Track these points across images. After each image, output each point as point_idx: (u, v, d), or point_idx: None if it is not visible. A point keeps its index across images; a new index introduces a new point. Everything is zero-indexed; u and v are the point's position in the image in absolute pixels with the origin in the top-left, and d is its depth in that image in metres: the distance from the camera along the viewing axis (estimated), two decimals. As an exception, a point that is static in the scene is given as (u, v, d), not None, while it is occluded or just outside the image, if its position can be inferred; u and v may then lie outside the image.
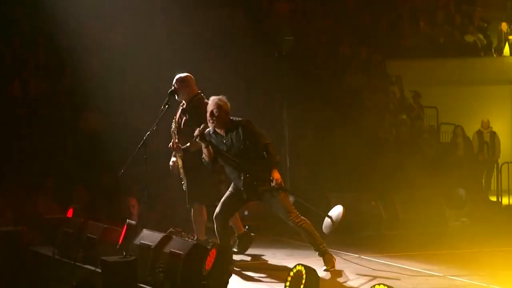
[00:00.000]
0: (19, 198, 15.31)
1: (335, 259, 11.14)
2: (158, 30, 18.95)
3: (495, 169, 20.07)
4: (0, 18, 19.75)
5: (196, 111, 11.77)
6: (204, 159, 11.10)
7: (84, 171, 16.61)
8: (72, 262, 12.03)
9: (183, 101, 11.94)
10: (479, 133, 20.00)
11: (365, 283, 10.28)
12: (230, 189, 11.42)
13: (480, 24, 22.61)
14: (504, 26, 22.34)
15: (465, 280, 10.67)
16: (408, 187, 16.29)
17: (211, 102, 10.99)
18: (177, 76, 11.97)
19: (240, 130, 11.10)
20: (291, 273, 9.57)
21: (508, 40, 22.20)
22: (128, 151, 12.98)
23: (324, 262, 11.09)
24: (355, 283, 10.53)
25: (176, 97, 11.93)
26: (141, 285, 10.52)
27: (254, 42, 19.36)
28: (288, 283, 9.44)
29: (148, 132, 11.94)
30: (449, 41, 22.25)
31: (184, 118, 11.89)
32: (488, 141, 19.91)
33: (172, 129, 11.81)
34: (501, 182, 19.82)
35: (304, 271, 9.42)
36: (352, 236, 12.54)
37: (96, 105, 18.03)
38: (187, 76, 11.96)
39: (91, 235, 12.04)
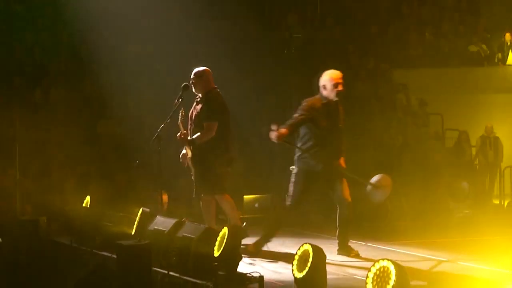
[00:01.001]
0: (40, 194, 15.40)
1: None
2: (172, 40, 18.96)
3: (498, 173, 20.06)
4: (22, 28, 19.84)
5: (209, 105, 11.80)
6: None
7: (101, 171, 16.67)
8: (89, 249, 12.16)
9: (199, 94, 11.99)
10: (483, 138, 19.98)
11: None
12: (297, 179, 11.59)
13: (484, 35, 22.58)
14: (508, 36, 22.31)
15: (469, 264, 10.73)
16: (414, 183, 16.25)
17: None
18: (195, 69, 11.98)
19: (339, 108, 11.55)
20: (299, 252, 9.61)
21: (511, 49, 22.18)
22: (142, 152, 13.06)
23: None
24: (361, 264, 10.58)
25: (193, 90, 11.96)
26: (155, 268, 10.55)
27: (265, 50, 19.43)
28: (296, 262, 9.48)
29: (162, 125, 11.95)
30: (453, 51, 22.24)
31: (197, 110, 11.93)
32: (491, 146, 19.89)
33: (179, 120, 11.87)
34: (504, 185, 19.83)
35: (311, 250, 9.46)
36: (360, 226, 12.54)
37: (112, 111, 18.07)
38: (204, 70, 11.95)
39: (107, 223, 12.13)
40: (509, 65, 22.30)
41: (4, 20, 19.81)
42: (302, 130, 11.51)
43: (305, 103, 11.49)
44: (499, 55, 22.38)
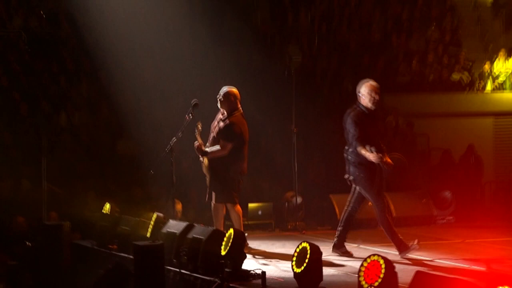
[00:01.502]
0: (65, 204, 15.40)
1: None
2: (183, 65, 18.93)
3: (479, 187, 19.99)
4: (48, 58, 19.85)
5: (229, 126, 11.85)
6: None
7: (118, 183, 16.66)
8: (108, 251, 12.13)
9: (224, 111, 11.96)
10: (466, 156, 19.90)
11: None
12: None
13: (465, 64, 22.53)
14: (487, 66, 22.26)
15: (450, 263, 10.69)
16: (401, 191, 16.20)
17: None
18: (224, 88, 11.99)
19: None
20: (297, 249, 9.57)
21: (490, 77, 22.12)
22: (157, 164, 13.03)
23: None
24: (354, 263, 10.51)
25: (219, 106, 11.95)
26: (167, 267, 10.54)
27: (268, 75, 19.44)
28: (295, 258, 9.44)
29: (174, 138, 11.93)
30: (438, 78, 22.20)
31: (220, 126, 11.95)
32: (473, 163, 19.81)
33: (197, 133, 11.89)
34: (484, 197, 19.76)
35: (308, 247, 9.42)
36: (352, 231, 12.44)
37: (130, 133, 18.05)
38: (229, 91, 11.96)
39: (124, 227, 12.11)
40: (487, 92, 22.23)
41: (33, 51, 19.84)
42: (353, 141, 11.26)
43: (355, 118, 11.22)
44: (479, 82, 22.31)
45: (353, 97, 20.23)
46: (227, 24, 20.11)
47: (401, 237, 11.32)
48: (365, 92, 11.19)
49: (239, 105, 11.98)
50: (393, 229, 11.40)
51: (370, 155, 10.89)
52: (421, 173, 18.14)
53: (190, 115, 11.91)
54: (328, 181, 16.55)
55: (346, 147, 11.36)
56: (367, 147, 10.94)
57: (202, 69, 18.84)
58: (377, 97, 11.14)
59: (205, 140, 12.02)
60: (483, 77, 22.38)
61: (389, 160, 11.12)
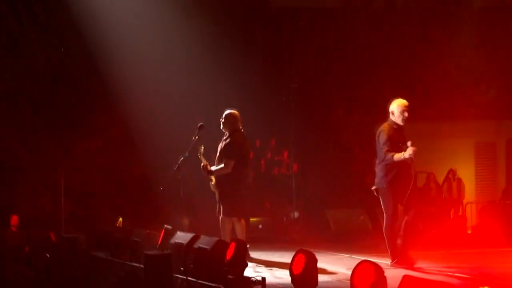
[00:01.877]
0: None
1: None
2: (190, 93, 18.84)
3: (460, 208, 19.95)
4: (68, 89, 19.83)
5: (227, 147, 11.92)
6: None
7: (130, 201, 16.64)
8: (121, 261, 12.10)
9: (227, 132, 12.02)
10: (448, 178, 19.88)
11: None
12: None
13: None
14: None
15: (432, 270, 10.67)
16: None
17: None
18: (225, 111, 12.07)
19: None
20: (295, 256, 9.55)
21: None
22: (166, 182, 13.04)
23: None
24: (346, 271, 10.47)
25: (221, 128, 12.02)
26: (175, 274, 10.50)
27: (267, 97, 19.44)
28: (292, 264, 9.41)
29: (182, 157, 11.95)
30: (423, 108, 22.15)
31: (222, 145, 11.98)
32: (455, 185, 19.81)
33: (200, 154, 11.91)
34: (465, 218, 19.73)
35: (305, 254, 9.40)
36: (345, 244, 12.44)
37: (144, 155, 18.03)
38: (230, 113, 12.06)
39: (136, 239, 12.09)
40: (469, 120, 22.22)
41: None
42: (381, 154, 11.19)
43: (386, 132, 11.16)
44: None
45: (344, 121, 20.59)
46: (232, 56, 20.05)
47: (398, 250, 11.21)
48: (395, 110, 11.16)
49: (240, 126, 12.05)
50: (394, 241, 11.33)
51: (402, 155, 10.88)
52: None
53: (197, 136, 11.96)
54: (322, 198, 16.53)
55: (376, 161, 11.34)
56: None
57: (207, 96, 18.81)
58: (406, 115, 11.12)
59: (212, 161, 12.05)
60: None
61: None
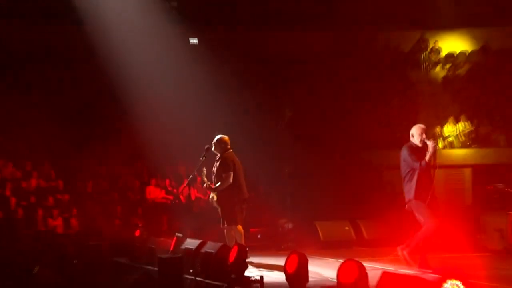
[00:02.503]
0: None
1: None
2: (196, 125, 18.68)
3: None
4: (93, 122, 19.83)
5: (222, 163, 11.87)
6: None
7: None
8: (138, 265, 12.02)
9: (218, 154, 11.98)
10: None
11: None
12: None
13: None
14: (438, 129, 22.23)
15: (408, 272, 10.56)
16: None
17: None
18: (216, 137, 12.05)
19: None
20: (289, 257, 9.49)
21: (440, 138, 22.06)
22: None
23: None
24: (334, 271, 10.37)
25: (213, 150, 11.96)
26: (185, 275, 10.44)
27: (263, 124, 19.45)
28: (286, 264, 9.36)
29: (191, 176, 11.93)
30: (402, 138, 22.08)
31: (216, 166, 11.94)
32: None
33: (203, 175, 11.90)
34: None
35: (297, 255, 9.35)
36: (332, 250, 12.33)
37: (156, 181, 17.98)
38: (220, 137, 12.03)
39: (151, 246, 12.02)
40: (439, 149, 22.04)
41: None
42: (405, 168, 10.89)
43: (409, 150, 10.82)
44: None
45: (332, 145, 20.54)
46: (237, 91, 20.03)
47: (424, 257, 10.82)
48: (415, 132, 10.87)
49: (229, 147, 12.00)
50: (421, 249, 10.89)
51: (428, 152, 10.57)
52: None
53: (204, 157, 11.95)
54: (313, 211, 16.43)
55: (404, 180, 10.95)
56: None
57: (214, 123, 18.72)
58: (424, 136, 10.79)
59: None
60: (435, 137, 22.29)
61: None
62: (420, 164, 10.59)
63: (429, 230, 10.75)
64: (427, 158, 10.55)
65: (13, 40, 21.53)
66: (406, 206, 11.03)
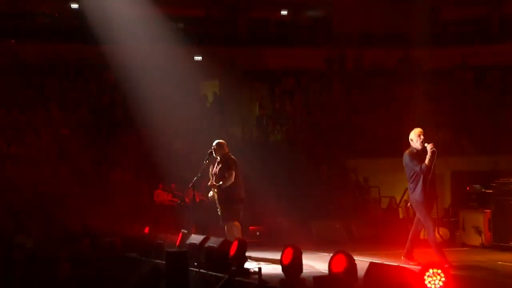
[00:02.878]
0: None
1: None
2: (200, 123, 18.66)
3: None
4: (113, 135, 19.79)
5: (225, 164, 11.86)
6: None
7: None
8: (147, 259, 12.04)
9: (218, 157, 12.00)
10: (406, 201, 19.70)
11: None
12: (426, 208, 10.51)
13: (406, 137, 22.42)
14: (422, 137, 22.17)
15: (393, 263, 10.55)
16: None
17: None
18: (215, 141, 12.07)
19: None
20: (284, 250, 9.49)
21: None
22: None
23: None
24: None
25: (214, 154, 11.97)
26: (190, 268, 10.46)
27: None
28: (282, 256, 9.38)
29: (195, 178, 11.95)
30: (386, 146, 22.15)
31: (218, 167, 11.95)
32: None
33: (210, 173, 11.90)
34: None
35: (292, 248, 9.36)
36: (325, 246, 12.34)
37: (164, 185, 17.95)
38: (220, 142, 12.05)
39: (159, 241, 12.04)
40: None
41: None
42: (409, 172, 10.70)
43: (411, 155, 10.65)
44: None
45: (324, 157, 20.56)
46: (235, 106, 20.11)
47: (444, 254, 10.55)
48: (414, 137, 10.69)
49: (228, 151, 12.01)
50: (440, 247, 10.70)
51: (428, 156, 10.35)
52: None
53: (207, 160, 11.98)
54: (307, 211, 16.44)
55: (408, 182, 10.77)
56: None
57: (216, 134, 18.68)
58: (422, 137, 10.61)
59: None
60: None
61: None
62: (421, 167, 10.39)
63: (430, 234, 10.58)
64: (427, 161, 10.34)
65: (35, 58, 21.62)
66: (409, 204, 11.02)
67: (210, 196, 12.08)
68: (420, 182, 10.49)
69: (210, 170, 11.93)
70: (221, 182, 11.76)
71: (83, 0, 21.82)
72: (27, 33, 22.43)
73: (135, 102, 18.94)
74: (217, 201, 11.95)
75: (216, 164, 12.00)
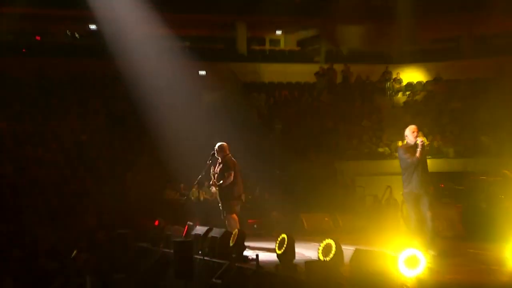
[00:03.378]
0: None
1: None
2: (204, 129, 18.50)
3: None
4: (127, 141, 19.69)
5: (225, 165, 11.82)
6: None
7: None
8: (157, 249, 12.01)
9: (220, 158, 11.98)
10: (387, 198, 19.64)
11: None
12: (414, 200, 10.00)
13: (387, 142, 22.54)
14: (399, 143, 22.08)
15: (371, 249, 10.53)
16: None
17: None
18: (217, 143, 12.03)
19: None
20: (279, 239, 9.48)
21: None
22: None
23: None
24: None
25: (216, 155, 11.95)
26: (195, 256, 10.44)
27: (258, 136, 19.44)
28: (277, 244, 9.37)
29: (200, 176, 11.93)
30: (370, 151, 22.22)
31: (220, 167, 11.93)
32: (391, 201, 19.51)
33: (212, 173, 11.88)
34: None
35: (286, 237, 9.35)
36: (314, 236, 12.29)
37: (173, 184, 17.86)
38: (222, 144, 11.98)
39: (168, 232, 12.01)
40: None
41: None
42: (403, 164, 10.20)
43: (404, 148, 10.21)
44: (396, 153, 22.21)
45: (313, 156, 20.47)
46: (236, 114, 19.97)
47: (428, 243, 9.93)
48: (408, 133, 10.23)
49: (228, 153, 11.93)
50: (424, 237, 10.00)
51: (418, 149, 9.98)
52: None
53: (209, 161, 11.97)
54: (299, 205, 16.34)
55: (403, 176, 10.23)
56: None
57: (218, 138, 18.55)
58: (416, 133, 10.15)
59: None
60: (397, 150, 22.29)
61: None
62: (412, 160, 9.99)
63: (416, 225, 10.05)
64: (418, 154, 9.99)
65: (57, 72, 21.66)
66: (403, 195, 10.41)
67: (213, 192, 12.05)
68: (414, 175, 10.03)
69: (212, 170, 11.87)
70: (221, 181, 11.73)
71: (100, 22, 21.88)
72: (51, 50, 22.50)
73: (146, 111, 18.88)
74: (218, 198, 11.92)
75: (217, 164, 11.96)
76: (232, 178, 11.71)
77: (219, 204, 11.91)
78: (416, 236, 9.95)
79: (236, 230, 10.44)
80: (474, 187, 13.11)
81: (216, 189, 11.86)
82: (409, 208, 10.17)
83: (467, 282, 8.36)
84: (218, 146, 11.95)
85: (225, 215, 11.85)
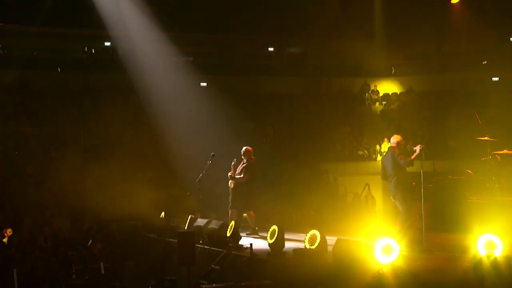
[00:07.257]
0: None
1: None
2: (206, 135, 18.40)
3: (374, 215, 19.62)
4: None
5: (248, 167, 11.74)
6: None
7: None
8: (163, 238, 11.97)
9: (245, 159, 11.83)
10: (366, 195, 19.63)
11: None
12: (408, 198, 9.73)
13: (366, 146, 22.54)
14: (378, 147, 22.26)
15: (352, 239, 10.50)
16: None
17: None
18: (244, 147, 11.95)
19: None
20: (270, 229, 9.44)
21: (379, 153, 22.06)
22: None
23: None
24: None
25: (242, 157, 11.84)
26: (197, 245, 10.41)
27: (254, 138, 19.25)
28: (269, 234, 9.32)
29: (201, 174, 11.88)
30: (351, 153, 22.21)
31: (242, 166, 11.82)
32: (369, 198, 19.55)
33: (232, 165, 11.78)
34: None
35: (276, 228, 9.31)
36: (302, 228, 12.27)
37: (177, 180, 17.70)
38: (247, 148, 11.92)
39: (172, 224, 11.97)
40: (378, 160, 22.04)
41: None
42: (397, 166, 9.70)
43: (397, 150, 9.76)
44: (374, 156, 22.30)
45: (303, 159, 20.43)
46: (233, 121, 19.81)
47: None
48: (393, 142, 9.91)
49: (252, 156, 11.88)
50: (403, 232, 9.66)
51: (414, 153, 9.61)
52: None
53: (210, 161, 11.93)
54: (288, 202, 16.24)
55: (392, 176, 9.78)
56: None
57: (219, 144, 18.52)
58: (402, 142, 9.92)
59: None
60: (375, 153, 22.35)
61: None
62: (411, 159, 9.60)
63: (403, 220, 9.85)
64: (412, 157, 9.65)
65: (75, 84, 21.62)
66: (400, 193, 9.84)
67: (230, 184, 11.86)
68: (401, 178, 9.72)
69: (235, 165, 11.73)
70: (237, 177, 11.63)
71: (114, 39, 21.91)
72: (70, 64, 22.46)
73: (153, 118, 18.85)
74: (230, 189, 11.79)
75: (242, 163, 11.86)
76: (244, 180, 11.61)
77: (229, 196, 11.77)
78: (406, 229, 9.83)
79: (233, 222, 10.42)
80: (442, 185, 13.14)
81: (232, 182, 11.74)
82: (408, 205, 9.96)
83: (435, 267, 8.43)
84: (244, 150, 11.87)
85: (237, 209, 11.65)
